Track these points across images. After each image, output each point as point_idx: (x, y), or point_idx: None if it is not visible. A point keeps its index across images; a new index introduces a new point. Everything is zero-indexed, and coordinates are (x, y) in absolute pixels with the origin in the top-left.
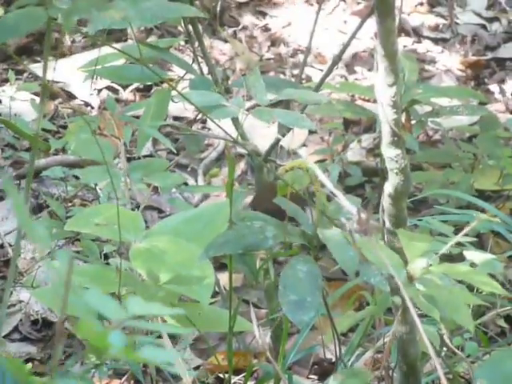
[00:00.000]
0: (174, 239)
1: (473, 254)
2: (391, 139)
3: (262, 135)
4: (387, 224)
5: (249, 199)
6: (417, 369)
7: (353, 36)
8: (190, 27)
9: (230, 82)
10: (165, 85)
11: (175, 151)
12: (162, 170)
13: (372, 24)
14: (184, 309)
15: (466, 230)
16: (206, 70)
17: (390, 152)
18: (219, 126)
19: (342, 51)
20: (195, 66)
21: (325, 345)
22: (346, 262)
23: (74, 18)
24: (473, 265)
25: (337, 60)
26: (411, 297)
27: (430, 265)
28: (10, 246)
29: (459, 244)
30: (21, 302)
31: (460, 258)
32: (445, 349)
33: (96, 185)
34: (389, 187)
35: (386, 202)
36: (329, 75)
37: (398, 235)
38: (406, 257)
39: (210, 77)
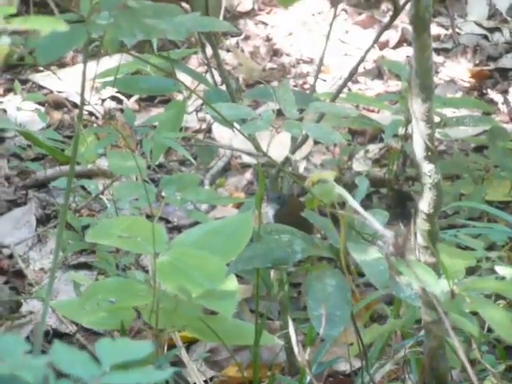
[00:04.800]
0: (197, 252)
1: (503, 269)
2: (425, 154)
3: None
4: (419, 239)
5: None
6: (447, 383)
7: (369, 49)
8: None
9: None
10: (173, 95)
11: (194, 162)
12: (194, 185)
13: (375, 35)
14: (208, 322)
15: None
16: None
17: (423, 167)
18: (248, 139)
19: (358, 64)
20: (208, 77)
21: (342, 357)
22: (376, 275)
23: (118, 39)
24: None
25: (354, 72)
26: (448, 312)
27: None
28: (20, 256)
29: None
30: (31, 313)
31: (471, 270)
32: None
33: (103, 194)
34: (422, 202)
35: (419, 216)
36: (344, 87)
37: (430, 250)
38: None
39: (223, 87)
